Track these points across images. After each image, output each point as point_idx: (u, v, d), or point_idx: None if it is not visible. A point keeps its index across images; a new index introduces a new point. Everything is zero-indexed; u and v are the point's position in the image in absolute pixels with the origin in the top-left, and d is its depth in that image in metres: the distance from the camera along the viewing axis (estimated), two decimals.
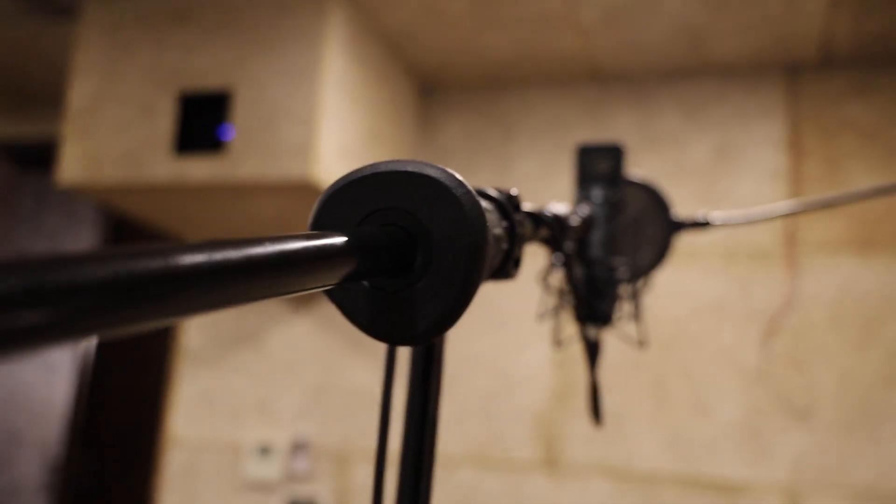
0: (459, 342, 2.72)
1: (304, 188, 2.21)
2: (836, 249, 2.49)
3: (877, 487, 2.32)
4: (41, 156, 3.57)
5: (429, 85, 2.89)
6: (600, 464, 2.54)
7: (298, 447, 2.76)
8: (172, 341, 3.00)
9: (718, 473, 2.45)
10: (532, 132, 2.81)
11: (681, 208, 1.42)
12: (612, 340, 2.50)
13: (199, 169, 2.24)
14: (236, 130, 2.23)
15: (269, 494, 2.77)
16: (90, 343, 3.98)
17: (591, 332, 1.06)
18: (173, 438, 2.90)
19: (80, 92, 2.39)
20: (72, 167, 2.36)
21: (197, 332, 2.96)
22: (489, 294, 2.72)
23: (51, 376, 3.84)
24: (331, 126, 2.24)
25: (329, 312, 2.85)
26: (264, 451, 2.78)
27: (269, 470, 2.76)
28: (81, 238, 3.98)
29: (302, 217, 2.40)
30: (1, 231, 3.37)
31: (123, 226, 4.20)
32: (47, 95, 3.25)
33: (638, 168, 2.67)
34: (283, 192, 2.25)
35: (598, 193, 1.09)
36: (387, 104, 2.62)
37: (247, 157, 2.21)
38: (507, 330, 2.69)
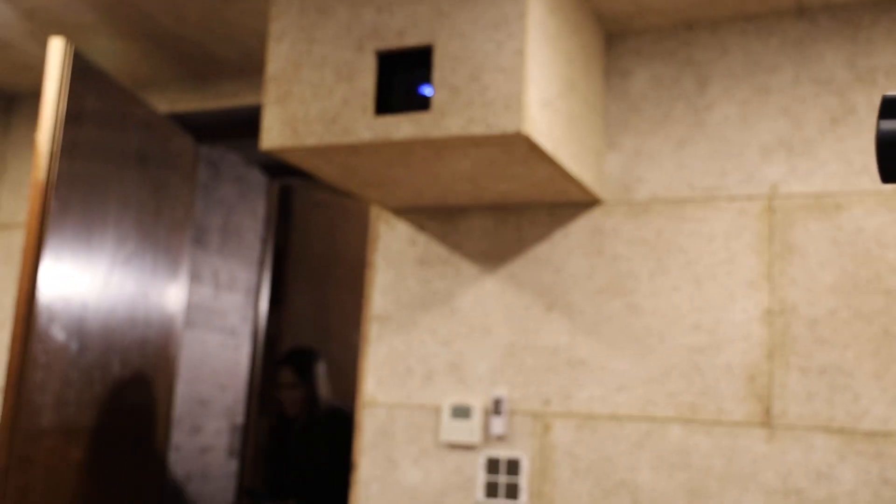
0: (658, 298, 2.63)
1: (512, 142, 2.15)
2: None
3: None
4: (216, 128, 3.64)
5: (616, 32, 2.78)
6: (823, 422, 2.41)
7: (495, 408, 2.73)
8: (358, 306, 3.02)
9: None
10: (728, 76, 2.66)
11: None
12: (827, 293, 2.35)
13: (402, 127, 2.21)
14: (438, 86, 2.19)
15: (468, 456, 2.75)
16: (264, 310, 4.08)
17: None
18: (367, 401, 2.92)
19: (278, 56, 2.39)
20: (273, 131, 2.37)
21: (385, 297, 2.96)
22: (688, 246, 2.61)
23: (233, 343, 3.96)
24: (535, 77, 2.17)
25: (519, 271, 2.80)
26: (461, 412, 2.77)
27: (466, 431, 2.75)
28: (255, 209, 4.07)
29: (506, 170, 2.34)
30: (185, 205, 3.46)
31: (291, 196, 4.27)
32: (224, 67, 3.30)
33: (851, 110, 2.50)
34: (490, 147, 2.20)
35: None
36: (579, 53, 2.53)
37: (452, 113, 2.16)
38: (711, 284, 2.58)
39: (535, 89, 2.16)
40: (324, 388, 3.81)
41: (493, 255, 2.86)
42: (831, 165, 2.52)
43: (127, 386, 3.11)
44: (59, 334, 2.73)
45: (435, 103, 2.19)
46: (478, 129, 2.13)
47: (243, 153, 3.97)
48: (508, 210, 2.86)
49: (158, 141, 3.28)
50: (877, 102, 2.49)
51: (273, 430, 4.16)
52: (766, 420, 2.47)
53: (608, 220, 2.73)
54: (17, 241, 3.60)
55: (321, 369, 3.80)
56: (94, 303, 2.91)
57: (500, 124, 2.11)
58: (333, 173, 2.57)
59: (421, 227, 2.96)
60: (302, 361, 3.76)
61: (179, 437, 3.57)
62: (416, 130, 2.20)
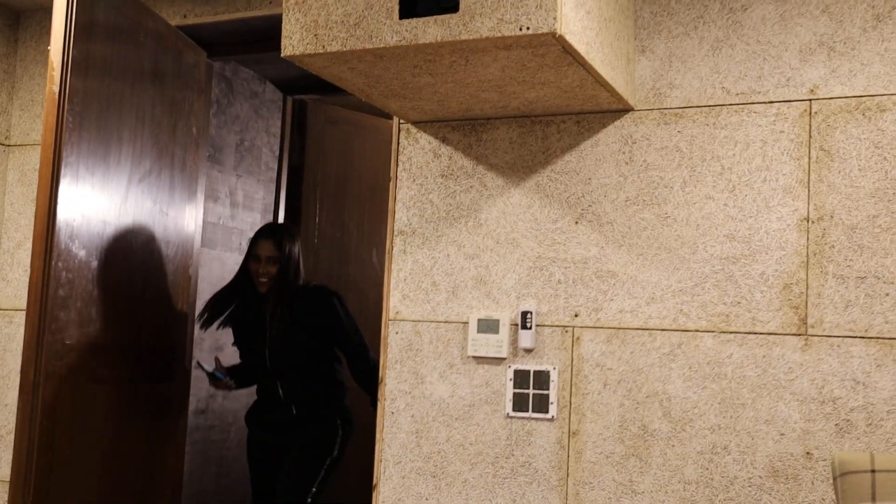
0: (691, 207, 2.56)
1: (545, 43, 2.06)
2: None
3: None
4: (229, 42, 3.54)
5: None
6: (860, 330, 2.37)
7: (523, 321, 2.69)
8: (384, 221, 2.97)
9: None
10: None
11: None
12: (867, 198, 2.28)
13: (429, 30, 2.12)
14: None
15: (496, 369, 2.73)
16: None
17: None
18: (392, 317, 2.89)
19: None
20: (294, 38, 2.28)
21: (408, 211, 2.90)
22: (722, 154, 2.54)
23: None
24: None
25: (547, 182, 2.74)
26: (488, 326, 2.74)
27: (494, 345, 2.72)
28: (270, 127, 3.98)
29: (536, 75, 2.25)
30: (199, 122, 3.38)
31: (306, 112, 4.18)
32: None
33: None
34: (521, 50, 2.11)
35: None
36: None
37: (482, 13, 2.07)
38: (746, 192, 2.51)
39: None
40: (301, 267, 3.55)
41: (519, 167, 2.78)
42: (874, 66, 2.42)
43: (148, 304, 3.08)
44: (79, 252, 2.69)
45: (464, 4, 2.10)
46: (509, 31, 2.04)
47: (257, 68, 3.87)
48: (535, 120, 2.78)
49: (172, 55, 3.19)
50: None
51: (236, 311, 3.54)
52: (802, 329, 2.43)
53: (639, 128, 2.65)
54: (30, 160, 3.54)
55: (299, 248, 3.54)
56: (113, 221, 2.86)
57: (533, 24, 2.02)
58: (356, 82, 2.48)
59: (444, 139, 2.89)
60: (283, 235, 3.46)
61: (200, 356, 3.56)
62: (444, 33, 2.11)
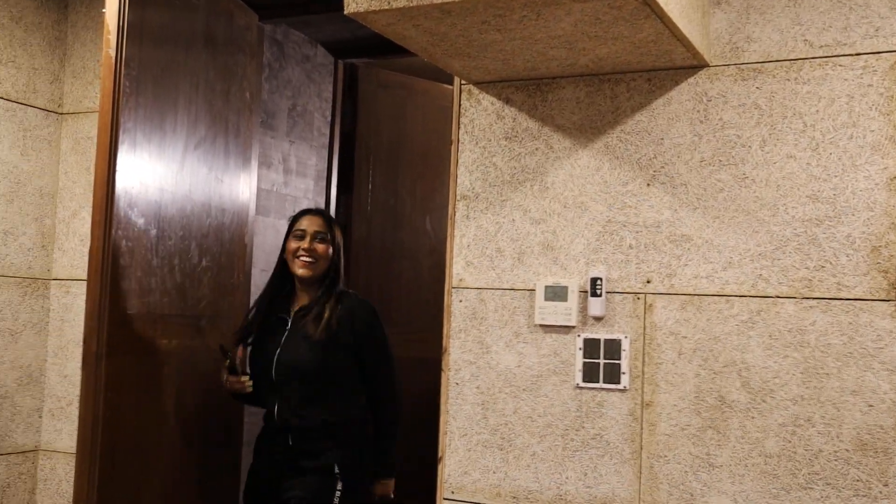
0: (771, 167, 2.43)
1: None
2: None
3: None
4: (279, 3, 3.45)
5: None
6: None
7: (593, 288, 2.60)
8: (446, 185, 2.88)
9: None
10: None
11: None
12: None
13: None
14: None
15: (564, 338, 2.64)
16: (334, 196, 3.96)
17: None
18: (455, 284, 2.81)
19: None
20: None
21: (471, 175, 2.80)
22: (804, 110, 2.40)
23: None
24: None
25: (616, 143, 2.62)
26: (556, 293, 2.64)
27: (562, 313, 2.63)
28: (322, 91, 3.90)
29: (609, 29, 2.13)
30: (252, 87, 3.31)
31: (358, 77, 4.09)
32: None
33: None
34: (596, 1, 2.00)
35: None
36: None
37: None
38: (831, 150, 2.37)
39: None
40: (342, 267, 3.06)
41: (586, 128, 2.67)
42: None
43: (205, 272, 3.03)
44: (138, 220, 2.64)
45: None
46: None
47: (307, 31, 3.78)
48: (603, 78, 2.65)
49: (223, 18, 3.11)
50: None
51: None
52: (892, 294, 2.30)
53: (714, 85, 2.52)
54: (83, 128, 3.50)
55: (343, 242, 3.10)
56: (170, 188, 2.81)
57: None
58: (420, 41, 2.38)
59: (507, 100, 2.78)
60: (330, 216, 3.06)
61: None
62: None
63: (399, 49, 3.77)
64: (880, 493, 2.29)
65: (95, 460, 2.48)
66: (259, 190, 3.48)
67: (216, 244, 3.07)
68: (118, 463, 2.59)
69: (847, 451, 2.33)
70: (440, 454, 2.80)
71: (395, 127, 4.17)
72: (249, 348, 2.95)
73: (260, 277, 3.50)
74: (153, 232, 2.70)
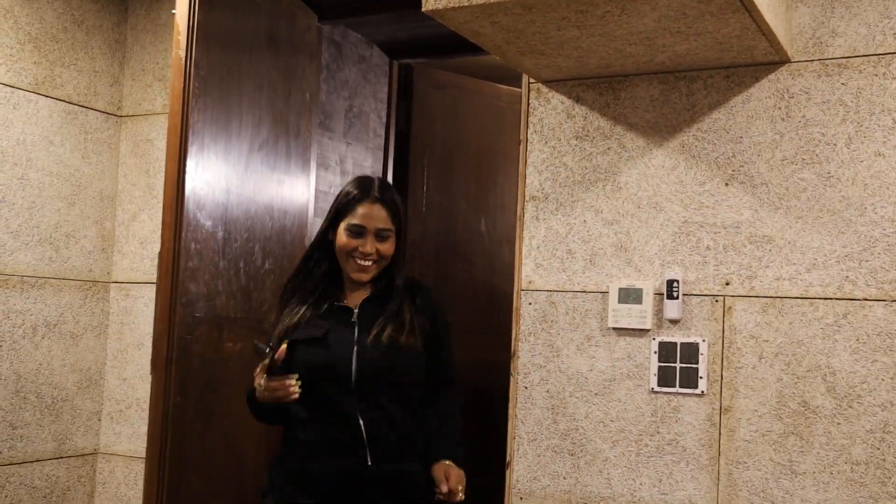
0: (857, 165, 2.33)
1: None
2: None
3: None
4: (338, 4, 3.40)
5: None
6: None
7: (668, 290, 2.51)
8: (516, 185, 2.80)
9: None
10: None
11: None
12: None
13: None
14: None
15: (639, 341, 2.56)
16: None
17: None
18: (525, 286, 2.73)
19: None
20: None
21: (541, 175, 2.73)
22: (889, 104, 2.30)
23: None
24: None
25: (693, 142, 2.53)
26: (630, 296, 2.56)
27: (637, 316, 2.54)
28: (377, 92, 3.84)
29: (694, 24, 2.04)
30: (311, 88, 3.25)
31: (412, 77, 4.03)
32: None
33: None
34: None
35: None
36: None
37: None
38: None
39: None
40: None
41: (661, 126, 2.58)
42: None
43: (268, 275, 2.98)
44: (206, 222, 2.60)
45: None
46: None
47: (364, 32, 3.72)
48: (678, 76, 2.57)
49: (285, 20, 3.06)
50: None
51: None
52: None
53: (797, 81, 2.42)
54: (142, 130, 3.47)
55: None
56: (235, 190, 2.76)
57: None
58: (495, 38, 2.31)
59: (578, 98, 2.70)
60: (395, 197, 2.35)
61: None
62: None
63: (454, 49, 3.73)
64: None
65: (165, 464, 2.43)
66: (317, 191, 3.43)
67: (278, 246, 3.01)
68: (184, 467, 2.54)
69: None
70: (508, 459, 2.72)
71: (450, 127, 4.10)
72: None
73: None
74: (220, 234, 2.66)
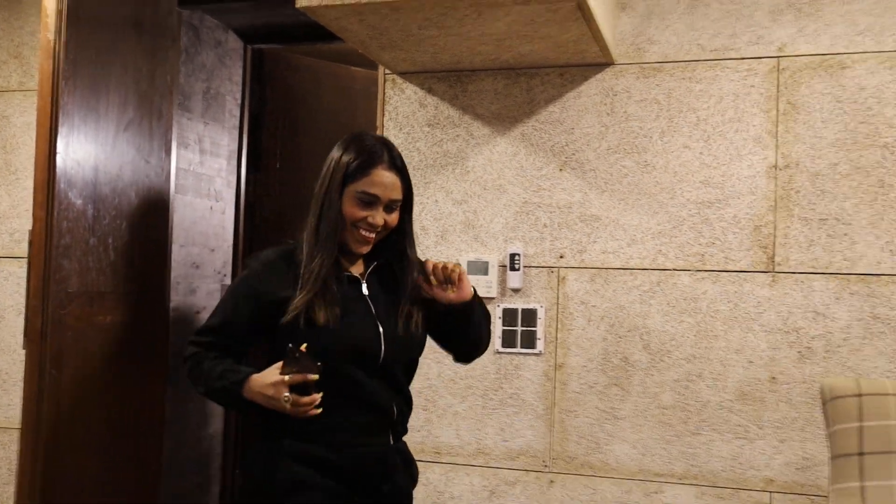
0: (668, 155, 2.68)
1: (566, 1, 2.12)
2: None
3: None
4: None
5: None
6: (821, 267, 2.56)
7: (511, 263, 2.78)
8: None
9: None
10: None
11: None
12: (829, 148, 2.44)
13: None
14: None
15: None
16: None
17: None
18: None
19: None
20: None
21: None
22: (697, 106, 2.66)
23: (220, 207, 3.88)
24: None
25: (531, 132, 2.81)
26: (477, 267, 2.82)
27: (483, 286, 2.81)
28: (233, 75, 3.90)
29: (539, 30, 2.30)
30: (172, 70, 3.30)
31: (265, 61, 4.11)
32: None
33: None
34: (537, 5, 2.16)
35: None
36: None
37: None
38: (720, 141, 2.64)
39: None
40: None
41: (504, 117, 2.85)
42: (837, 27, 2.57)
43: (136, 251, 3.03)
44: (77, 200, 2.63)
45: None
46: None
47: (221, 17, 3.78)
48: (519, 73, 2.83)
49: (149, 5, 3.10)
50: None
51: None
52: (770, 267, 2.60)
53: (620, 81, 2.75)
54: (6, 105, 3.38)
55: None
56: (103, 169, 2.80)
57: None
58: (360, 34, 2.48)
59: (430, 89, 2.92)
60: (407, 170, 2.04)
61: (177, 299, 3.53)
62: None
63: (308, 37, 3.85)
64: (756, 434, 2.60)
65: (41, 436, 2.47)
66: (177, 169, 3.48)
67: (144, 223, 3.07)
68: (62, 438, 2.59)
69: (730, 401, 2.62)
70: None
71: (303, 109, 4.21)
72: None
73: (179, 253, 3.51)
74: (90, 212, 2.70)
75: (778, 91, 2.61)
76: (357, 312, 1.99)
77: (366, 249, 2.02)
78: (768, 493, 2.57)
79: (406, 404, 2.09)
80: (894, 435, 2.12)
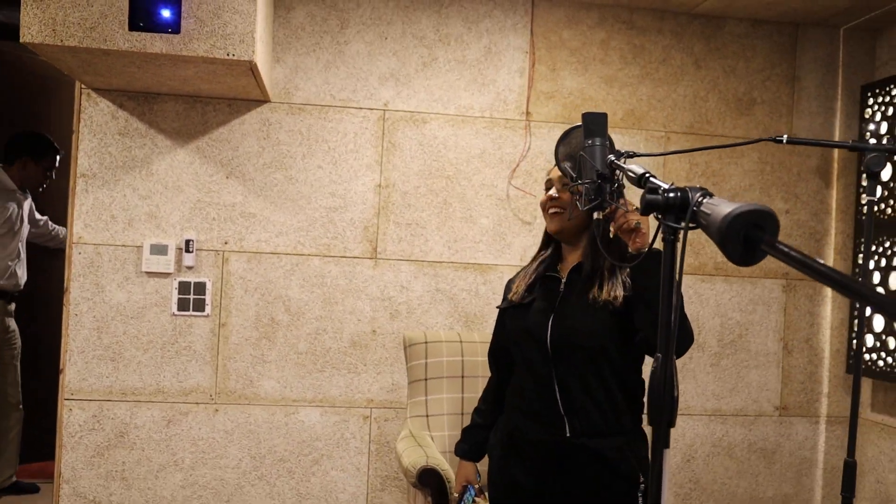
0: (308, 172, 3.40)
1: (242, 65, 2.71)
2: (551, 124, 3.54)
3: None
4: None
5: None
6: (406, 256, 3.45)
7: (186, 247, 3.31)
8: (68, 165, 3.28)
9: (477, 260, 3.50)
10: (360, 23, 3.43)
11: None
12: (414, 175, 3.36)
13: (156, 44, 2.62)
14: (186, 17, 2.63)
15: (164, 281, 3.31)
16: None
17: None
18: (75, 241, 3.27)
19: None
20: (33, 28, 2.58)
21: (90, 159, 3.28)
22: (329, 138, 3.41)
23: None
24: (259, 18, 2.73)
25: (205, 147, 3.35)
26: (158, 249, 3.29)
27: (163, 264, 3.29)
28: None
29: (218, 78, 2.89)
30: None
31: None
32: None
33: (434, 59, 3.46)
34: (220, 65, 2.72)
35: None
36: None
37: (198, 38, 2.64)
38: (344, 165, 3.42)
39: (258, 27, 2.73)
40: None
41: (183, 133, 3.34)
42: (422, 94, 3.47)
43: None
44: None
45: (184, 29, 2.64)
46: (219, 54, 2.65)
47: None
48: (196, 100, 3.34)
49: None
50: (451, 57, 3.48)
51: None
52: (373, 255, 3.44)
53: (274, 115, 3.39)
54: None
55: None
56: None
57: (238, 53, 2.66)
58: (71, 64, 2.83)
59: (121, 105, 3.30)
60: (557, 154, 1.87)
61: None
62: (168, 48, 2.63)
63: None
64: (362, 370, 3.44)
65: None
66: None
67: None
68: None
69: (345, 347, 3.43)
70: (61, 367, 3.26)
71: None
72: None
73: None
74: None
75: (383, 133, 3.45)
76: (541, 303, 2.05)
77: (552, 227, 2.06)
78: (370, 409, 3.43)
79: (587, 395, 1.97)
80: (444, 366, 3.07)
